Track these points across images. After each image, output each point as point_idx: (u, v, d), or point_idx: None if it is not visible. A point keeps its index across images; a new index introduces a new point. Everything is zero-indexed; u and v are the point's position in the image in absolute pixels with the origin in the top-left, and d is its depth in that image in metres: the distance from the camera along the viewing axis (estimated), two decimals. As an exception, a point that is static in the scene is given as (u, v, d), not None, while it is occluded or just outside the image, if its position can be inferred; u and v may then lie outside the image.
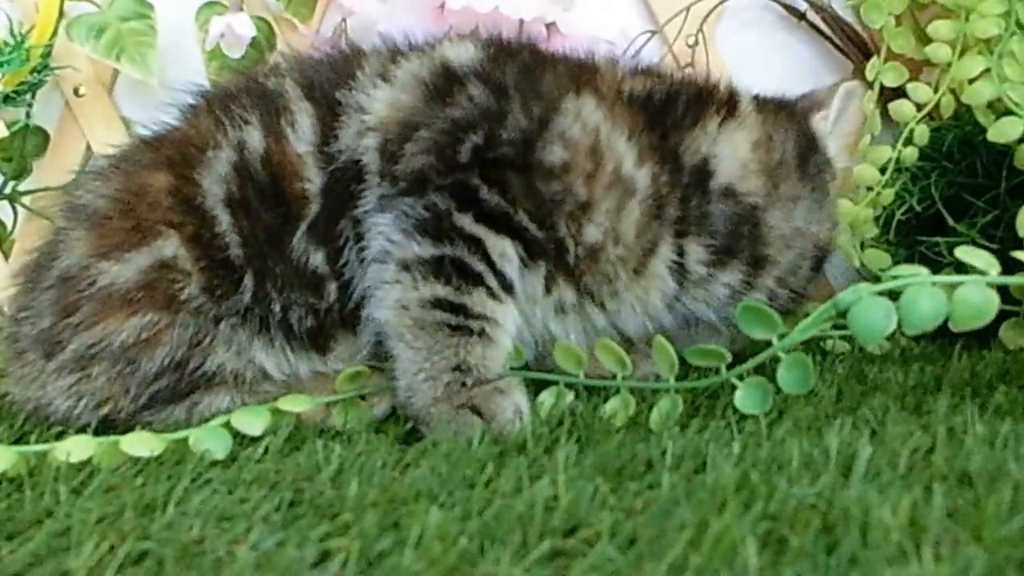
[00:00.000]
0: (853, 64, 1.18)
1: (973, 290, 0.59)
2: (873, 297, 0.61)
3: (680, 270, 0.80)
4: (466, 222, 0.73)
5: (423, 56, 0.81)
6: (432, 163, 0.75)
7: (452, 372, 0.71)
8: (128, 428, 0.70)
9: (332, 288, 0.77)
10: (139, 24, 1.13)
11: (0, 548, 0.50)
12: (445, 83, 0.78)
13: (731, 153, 0.81)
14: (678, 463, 0.59)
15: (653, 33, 1.19)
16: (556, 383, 0.76)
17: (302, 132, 0.78)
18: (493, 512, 0.51)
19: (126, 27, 1.12)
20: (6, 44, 1.13)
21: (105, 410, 0.75)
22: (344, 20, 1.13)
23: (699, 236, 0.80)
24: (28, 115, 1.19)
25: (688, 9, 1.17)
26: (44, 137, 1.23)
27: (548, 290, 0.78)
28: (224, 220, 0.77)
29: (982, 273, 0.60)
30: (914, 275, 0.61)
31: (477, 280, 0.73)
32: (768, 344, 0.68)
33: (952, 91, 1.02)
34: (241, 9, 1.14)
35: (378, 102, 0.78)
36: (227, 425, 0.69)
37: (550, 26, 1.08)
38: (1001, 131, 0.91)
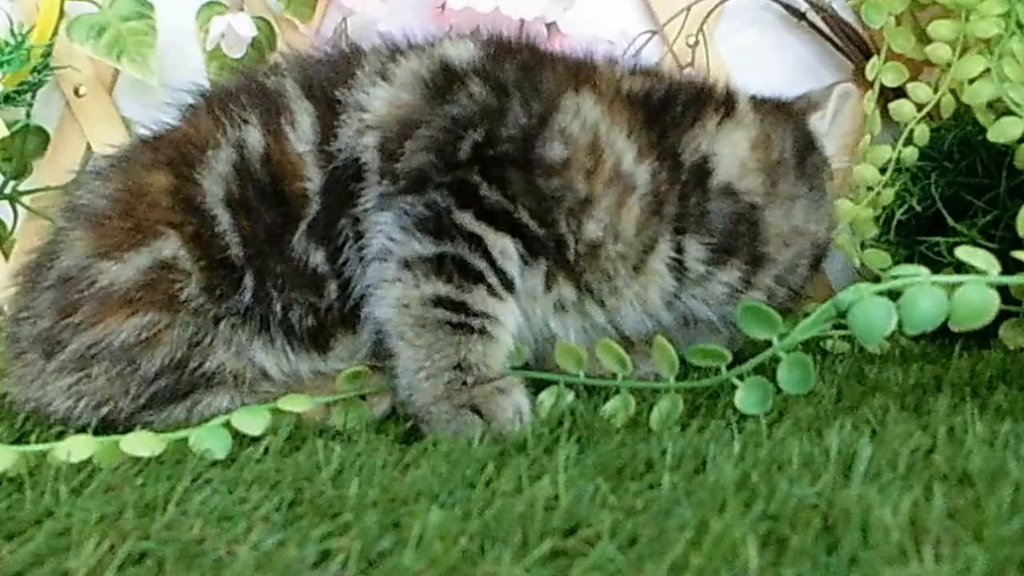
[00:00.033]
0: (853, 64, 1.18)
1: (973, 290, 0.59)
2: (873, 297, 0.61)
3: (679, 267, 0.80)
4: (466, 219, 0.73)
5: (423, 55, 0.82)
6: (432, 161, 0.75)
7: (453, 370, 0.71)
8: (128, 428, 0.70)
9: (332, 287, 0.77)
10: (139, 24, 1.13)
11: (0, 548, 0.50)
12: (445, 81, 0.79)
13: (730, 152, 0.81)
14: (678, 463, 0.59)
15: (653, 33, 1.19)
16: (556, 383, 0.76)
17: (302, 131, 0.78)
18: (494, 512, 0.51)
19: (126, 27, 1.12)
20: (7, 44, 1.13)
21: (105, 410, 0.75)
22: (344, 20, 1.13)
23: (698, 234, 0.80)
24: (28, 115, 1.19)
25: (688, 9, 1.17)
26: (44, 137, 1.23)
27: (548, 287, 0.78)
28: (224, 220, 0.77)
29: (982, 273, 0.60)
30: (914, 275, 0.61)
31: (478, 278, 0.73)
32: (768, 344, 0.68)
33: (952, 91, 1.02)
34: (241, 9, 1.14)
35: (378, 100, 0.78)
36: (227, 425, 0.69)
37: (550, 26, 1.08)
38: (1001, 131, 0.91)
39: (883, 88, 1.09)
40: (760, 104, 0.86)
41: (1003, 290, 0.61)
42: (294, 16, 1.18)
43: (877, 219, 1.05)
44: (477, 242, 0.73)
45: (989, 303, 0.59)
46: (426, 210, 0.74)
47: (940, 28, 1.00)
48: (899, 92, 1.07)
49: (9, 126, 1.18)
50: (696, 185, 0.79)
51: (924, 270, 0.61)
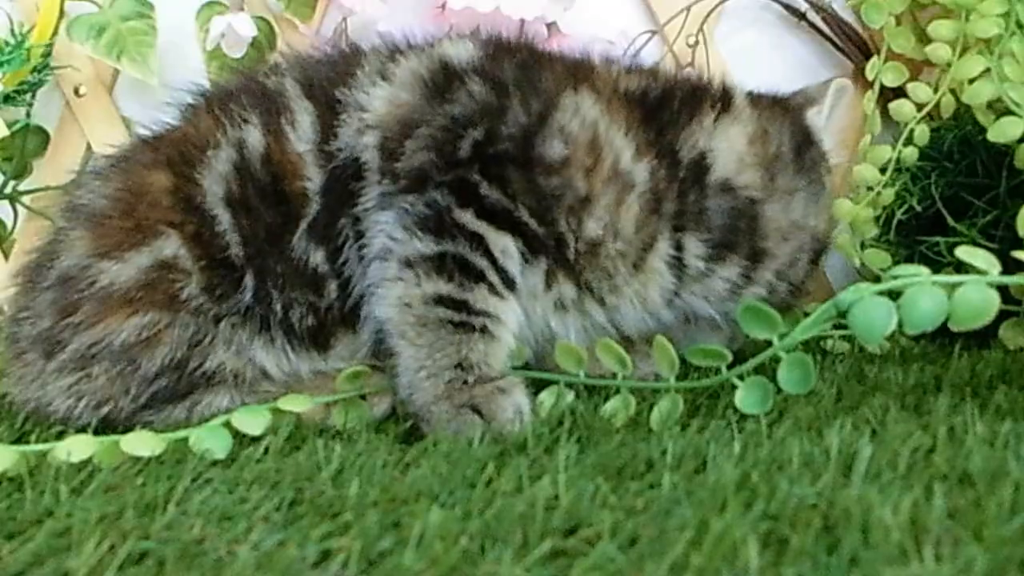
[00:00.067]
0: (853, 64, 1.18)
1: (974, 290, 0.59)
2: (874, 297, 0.61)
3: (678, 265, 0.80)
4: (467, 218, 0.73)
5: (422, 55, 0.82)
6: (432, 160, 0.75)
7: (454, 370, 0.71)
8: (128, 428, 0.70)
9: (332, 287, 0.78)
10: (139, 24, 1.13)
11: (1, 548, 0.50)
12: (444, 80, 0.79)
13: (727, 148, 0.81)
14: (679, 463, 0.59)
15: (653, 33, 1.19)
16: (556, 382, 0.76)
17: (302, 131, 0.78)
18: (494, 512, 0.51)
19: (126, 27, 1.12)
20: (7, 44, 1.13)
21: (105, 410, 0.75)
22: (344, 20, 1.13)
23: (697, 231, 0.80)
24: (28, 115, 1.19)
25: (688, 9, 1.17)
26: (44, 137, 1.23)
27: (548, 286, 0.78)
28: (224, 219, 0.77)
29: (983, 273, 0.60)
30: (915, 275, 0.61)
31: (479, 276, 0.73)
32: (768, 344, 0.68)
33: (952, 91, 1.02)
34: (242, 9, 1.14)
35: (377, 100, 0.78)
36: (227, 425, 0.69)
37: (551, 26, 1.08)
38: (1001, 131, 0.91)
39: (883, 88, 1.09)
40: (757, 100, 0.86)
41: (1003, 290, 0.61)
42: (294, 16, 1.18)
43: (877, 219, 1.05)
44: (478, 241, 0.73)
45: (989, 303, 0.59)
46: (427, 209, 0.74)
47: (940, 28, 1.00)
48: (899, 92, 1.07)
49: (9, 126, 1.18)
50: (694, 182, 0.79)
51: (924, 270, 0.61)
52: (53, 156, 1.23)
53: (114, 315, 0.74)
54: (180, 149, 0.79)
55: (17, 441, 0.73)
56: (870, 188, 1.04)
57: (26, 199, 1.21)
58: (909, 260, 1.00)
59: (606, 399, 0.74)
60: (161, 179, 0.78)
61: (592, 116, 0.77)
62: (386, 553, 0.47)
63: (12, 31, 1.14)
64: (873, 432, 0.64)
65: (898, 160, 1.03)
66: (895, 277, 0.61)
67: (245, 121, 0.79)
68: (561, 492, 0.53)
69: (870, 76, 1.09)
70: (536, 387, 0.75)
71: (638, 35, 1.17)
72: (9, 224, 1.23)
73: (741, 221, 0.80)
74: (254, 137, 0.78)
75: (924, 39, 1.04)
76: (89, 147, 1.23)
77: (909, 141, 1.03)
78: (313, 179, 0.77)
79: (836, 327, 0.66)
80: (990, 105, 0.96)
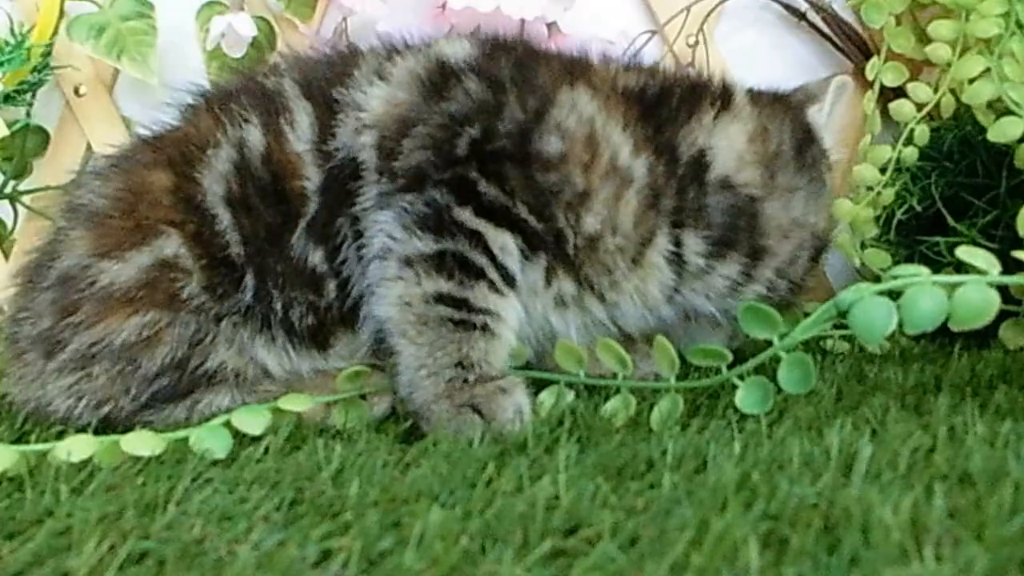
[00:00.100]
0: (853, 64, 1.18)
1: (974, 290, 0.59)
2: (874, 297, 0.61)
3: (678, 261, 0.80)
4: (466, 216, 0.73)
5: (419, 54, 0.82)
6: (430, 158, 0.75)
7: (454, 368, 0.71)
8: (129, 427, 0.70)
9: (331, 286, 0.78)
10: (139, 24, 1.13)
11: (1, 547, 0.50)
12: (441, 78, 0.79)
13: (727, 145, 0.81)
14: (679, 463, 0.59)
15: (653, 33, 1.19)
16: (556, 382, 0.76)
17: (301, 131, 0.78)
18: (494, 511, 0.51)
19: (126, 27, 1.12)
20: (7, 43, 1.13)
21: (106, 409, 0.75)
22: (344, 20, 1.13)
23: (697, 228, 0.80)
24: (29, 114, 1.19)
25: (688, 9, 1.17)
26: (44, 136, 1.23)
27: (548, 282, 0.78)
28: (224, 218, 0.77)
29: (983, 273, 0.60)
30: (915, 275, 0.61)
31: (479, 274, 0.73)
32: (769, 344, 0.68)
33: (952, 91, 1.02)
34: (242, 9, 1.14)
35: (375, 99, 0.78)
36: (227, 424, 0.69)
37: (551, 26, 1.08)
38: (1001, 131, 0.91)
39: (883, 88, 1.09)
40: (757, 97, 0.86)
41: (1003, 290, 0.61)
42: (294, 16, 1.18)
43: (877, 219, 1.05)
44: (477, 238, 0.73)
45: (989, 303, 0.59)
46: (425, 208, 0.74)
47: (940, 28, 1.00)
48: (899, 92, 1.07)
49: (9, 125, 1.18)
50: (694, 179, 0.79)
51: (924, 270, 0.61)
52: (53, 156, 1.23)
53: (114, 315, 0.74)
54: (180, 149, 0.79)
55: (17, 441, 0.73)
56: (870, 188, 1.04)
57: (26, 199, 1.21)
58: (909, 260, 1.00)
59: (606, 399, 0.74)
60: (161, 179, 0.78)
61: (589, 112, 0.77)
62: (386, 553, 0.47)
63: (12, 31, 1.14)
64: (873, 432, 0.64)
65: (898, 160, 1.03)
66: (895, 277, 0.61)
67: (245, 121, 0.79)
68: (561, 492, 0.53)
69: (870, 76, 1.09)
70: (536, 387, 0.75)
71: (638, 35, 1.17)
72: (9, 224, 1.23)
73: (741, 219, 0.80)
74: (254, 137, 0.78)
75: (924, 39, 1.04)
76: (89, 147, 1.23)
77: (909, 141, 1.03)
78: (312, 179, 0.77)
79: (836, 327, 0.66)
80: (990, 105, 0.96)
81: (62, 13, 1.16)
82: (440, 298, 0.72)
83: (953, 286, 0.60)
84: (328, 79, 0.80)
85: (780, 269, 0.83)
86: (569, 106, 0.77)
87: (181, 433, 0.67)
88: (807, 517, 0.47)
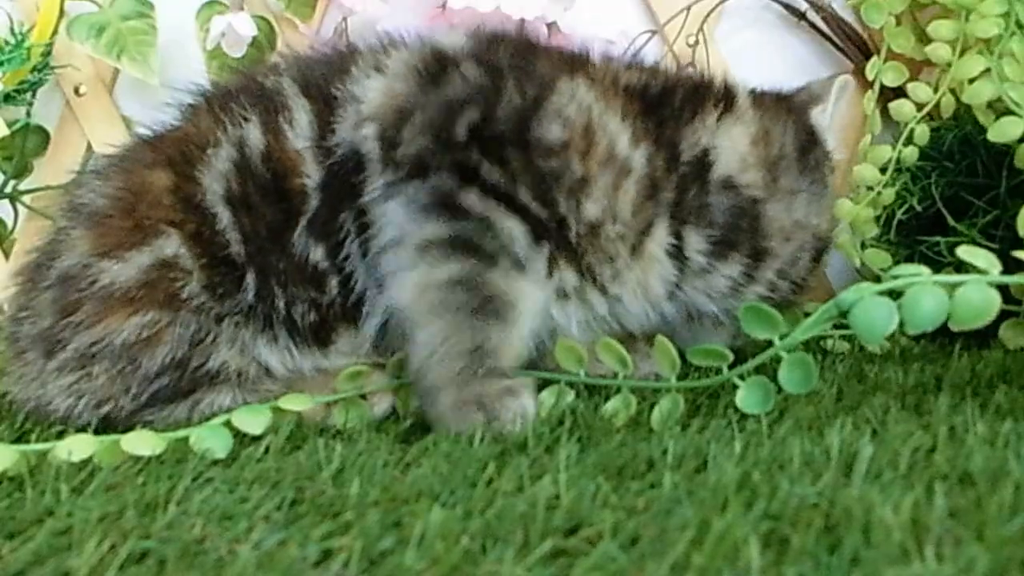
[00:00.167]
0: (853, 63, 1.18)
1: (975, 289, 0.59)
2: (875, 297, 0.61)
3: (679, 256, 0.80)
4: (471, 200, 0.73)
5: (415, 46, 0.82)
6: (429, 144, 0.75)
7: (468, 355, 0.71)
8: (129, 427, 0.70)
9: (333, 283, 0.77)
10: (140, 23, 1.13)
11: (1, 547, 0.50)
12: (438, 66, 0.79)
13: (730, 147, 0.81)
14: (679, 462, 0.59)
15: (653, 33, 1.19)
16: (557, 382, 0.76)
17: (300, 128, 0.78)
18: (495, 511, 0.50)
19: (127, 26, 1.12)
20: (7, 43, 1.13)
21: (106, 409, 0.75)
22: (345, 20, 1.13)
23: (698, 226, 0.80)
24: (29, 114, 1.19)
25: (688, 9, 1.17)
26: (45, 136, 1.23)
27: (550, 273, 0.77)
28: (225, 218, 0.77)
29: (983, 272, 0.60)
30: (915, 275, 0.61)
31: (491, 259, 0.73)
32: (769, 344, 0.68)
33: (952, 91, 1.02)
34: (242, 8, 1.14)
35: (372, 91, 0.78)
36: (228, 424, 0.69)
37: (551, 25, 1.08)
38: (1001, 131, 0.91)
39: (883, 88, 1.09)
40: (760, 98, 0.86)
41: (1003, 290, 0.61)
42: (294, 16, 1.18)
43: (877, 219, 1.05)
44: (486, 223, 0.73)
45: (990, 303, 0.59)
46: (431, 194, 0.74)
47: (940, 28, 1.00)
48: (899, 92, 1.07)
49: (9, 125, 1.18)
50: (696, 177, 0.80)
51: (925, 270, 0.61)
52: (53, 155, 1.23)
53: (115, 314, 0.74)
54: (180, 148, 0.79)
55: (17, 440, 0.73)
56: (870, 188, 1.05)
57: (26, 198, 1.21)
58: (909, 260, 1.00)
59: (607, 399, 0.74)
60: (161, 178, 0.78)
61: (587, 101, 0.77)
62: (387, 553, 0.47)
63: (12, 30, 1.14)
64: (874, 432, 0.64)
65: (898, 160, 1.03)
66: (896, 277, 0.61)
67: (245, 120, 0.79)
68: (562, 492, 0.53)
69: (870, 76, 1.10)
70: (537, 386, 0.75)
71: (638, 35, 1.17)
72: (9, 223, 1.23)
73: (743, 220, 0.80)
74: (254, 135, 0.78)
75: (924, 39, 1.04)
76: (89, 146, 1.23)
77: (909, 141, 1.03)
78: (312, 176, 0.77)
79: (836, 327, 0.66)
80: (990, 105, 0.96)
81: (62, 12, 1.16)
82: (456, 284, 0.72)
83: (954, 286, 0.60)
84: (326, 77, 0.80)
85: (782, 270, 0.83)
86: (568, 94, 0.77)
87: (181, 433, 0.67)
88: (808, 517, 0.47)
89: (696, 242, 0.80)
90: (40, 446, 0.65)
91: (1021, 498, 0.47)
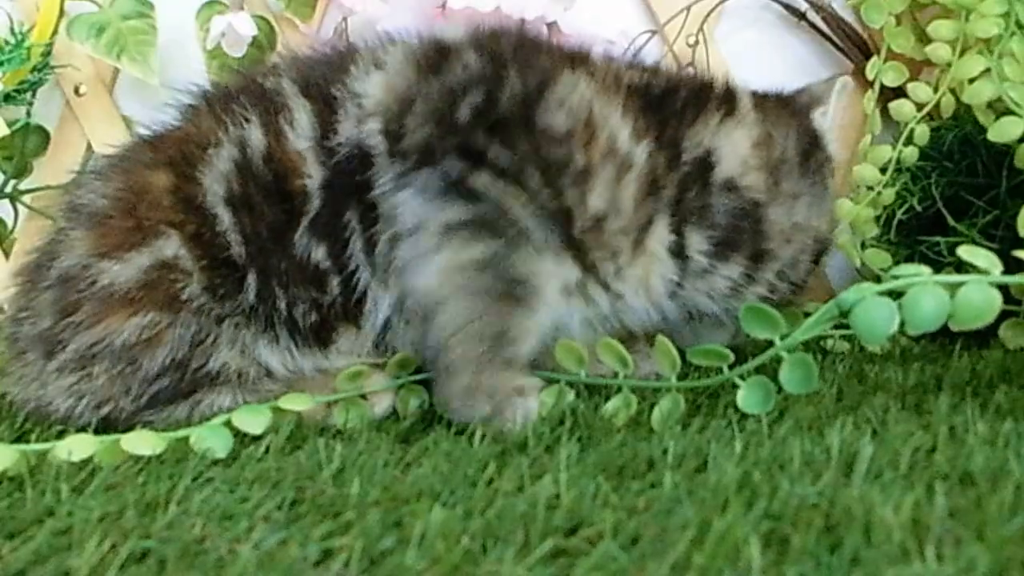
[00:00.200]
0: (853, 63, 1.18)
1: (976, 289, 0.59)
2: (876, 297, 0.61)
3: (680, 254, 0.80)
4: (482, 183, 0.73)
5: (414, 40, 0.82)
6: (433, 131, 0.75)
7: (490, 340, 0.70)
8: (129, 427, 0.70)
9: (335, 282, 0.77)
10: (140, 23, 1.13)
11: (1, 547, 0.50)
12: (438, 56, 0.79)
13: (732, 149, 0.81)
14: (680, 462, 0.59)
15: (653, 33, 1.19)
16: (557, 381, 0.76)
17: (301, 129, 0.78)
18: (495, 511, 0.51)
19: (127, 26, 1.12)
20: (7, 43, 1.13)
21: (106, 410, 0.75)
22: (345, 20, 1.13)
23: (699, 226, 0.80)
24: (29, 114, 1.19)
25: (688, 9, 1.17)
26: (45, 136, 1.23)
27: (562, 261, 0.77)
28: (225, 219, 0.76)
29: (984, 272, 0.60)
30: (916, 275, 0.61)
31: (515, 241, 0.72)
32: (770, 344, 0.68)
33: (952, 91, 1.02)
34: (242, 8, 1.14)
35: (373, 86, 0.78)
36: (228, 424, 0.69)
37: (551, 25, 1.08)
38: (1001, 131, 0.91)
39: (883, 88, 1.09)
40: (762, 101, 0.86)
41: (1003, 290, 0.61)
42: (294, 15, 1.18)
43: (877, 219, 1.05)
44: (501, 207, 0.73)
45: (991, 303, 0.59)
46: (443, 179, 0.73)
47: (940, 28, 1.00)
48: (899, 92, 1.07)
49: (9, 125, 1.18)
50: (698, 177, 0.80)
51: (926, 269, 0.61)
52: (53, 155, 1.23)
53: (115, 315, 0.74)
54: (181, 148, 0.79)
55: (17, 440, 0.73)
56: (870, 188, 1.05)
57: (27, 198, 1.21)
58: (909, 260, 1.00)
59: (607, 398, 0.74)
60: (161, 179, 0.78)
61: (589, 95, 0.77)
62: (388, 552, 0.47)
63: (12, 30, 1.14)
64: (874, 432, 0.64)
65: (898, 160, 1.03)
66: (896, 277, 0.61)
67: (247, 120, 0.78)
68: (562, 491, 0.53)
69: (870, 76, 1.10)
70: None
71: (638, 35, 1.17)
72: (9, 223, 1.23)
73: (745, 221, 0.81)
74: (255, 136, 0.78)
75: (924, 39, 1.04)
76: (89, 146, 1.23)
77: (909, 141, 1.03)
78: (314, 176, 0.77)
79: (836, 326, 0.66)
80: (990, 105, 0.96)
81: (62, 12, 1.16)
82: (484, 265, 0.72)
83: (955, 286, 0.60)
84: (326, 77, 0.80)
85: (781, 271, 0.84)
86: (570, 86, 0.77)
87: (182, 432, 0.67)
88: (808, 517, 0.47)
89: (698, 242, 0.80)
90: (40, 446, 0.65)
91: (1021, 498, 0.47)
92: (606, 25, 1.10)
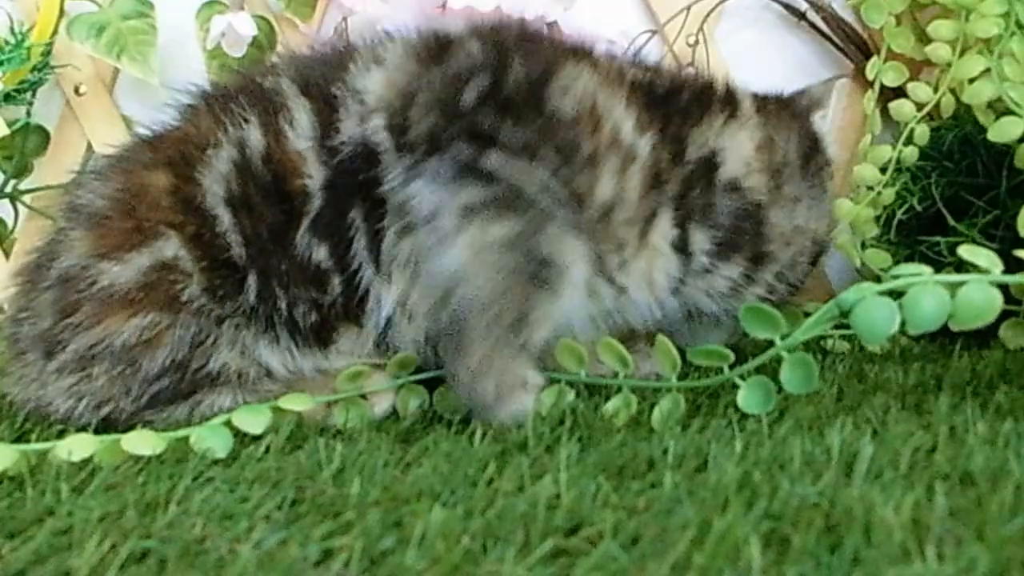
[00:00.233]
0: (853, 64, 1.18)
1: (977, 289, 0.59)
2: (877, 297, 0.61)
3: (683, 250, 0.81)
4: (493, 162, 0.72)
5: (413, 35, 0.81)
6: (438, 119, 0.74)
7: (512, 317, 0.69)
8: (129, 428, 0.70)
9: (336, 281, 0.77)
10: (140, 23, 1.13)
11: (2, 547, 0.50)
12: (439, 47, 0.78)
13: (736, 151, 0.82)
14: (680, 462, 0.59)
15: (653, 33, 1.19)
16: (558, 381, 0.76)
17: (301, 128, 0.78)
18: (496, 511, 0.50)
19: (127, 26, 1.12)
20: (7, 43, 1.13)
21: (106, 410, 0.75)
22: (345, 19, 1.13)
23: (704, 225, 0.80)
24: (29, 113, 1.19)
25: (688, 9, 1.17)
26: (45, 136, 1.23)
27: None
28: (225, 219, 0.76)
29: (985, 272, 0.60)
30: (917, 274, 0.61)
31: (535, 220, 0.71)
32: (770, 344, 0.68)
33: (952, 91, 1.02)
34: (242, 8, 1.14)
35: (374, 83, 0.77)
36: (228, 423, 0.69)
37: (551, 25, 1.08)
38: (1001, 131, 0.91)
39: (883, 88, 1.09)
40: (763, 104, 0.86)
41: (1003, 290, 0.61)
42: (294, 15, 1.18)
43: (877, 219, 1.05)
44: (516, 184, 0.72)
45: (992, 302, 0.59)
46: (454, 164, 0.72)
47: (940, 28, 1.00)
48: (899, 92, 1.07)
49: (9, 125, 1.18)
50: (702, 176, 0.80)
51: (927, 269, 0.61)
52: (53, 155, 1.23)
53: (114, 316, 0.74)
54: (180, 149, 0.79)
55: (17, 440, 0.73)
56: (870, 188, 1.05)
57: (27, 198, 1.21)
58: (909, 260, 1.00)
59: (607, 398, 0.74)
60: (161, 179, 0.77)
61: (592, 85, 0.77)
62: (388, 552, 0.47)
63: (12, 30, 1.14)
64: (874, 432, 0.64)
65: (898, 160, 1.03)
66: (897, 277, 0.61)
67: (246, 120, 0.78)
68: (563, 491, 0.53)
69: (870, 76, 1.10)
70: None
71: (638, 35, 1.17)
72: (10, 223, 1.23)
73: (747, 223, 0.81)
74: (255, 137, 0.78)
75: (924, 39, 1.04)
76: (90, 146, 1.23)
77: (909, 141, 1.03)
78: (314, 176, 0.76)
79: (836, 326, 0.66)
80: (990, 105, 0.96)
81: (62, 12, 1.16)
82: (512, 243, 0.70)
83: (955, 285, 0.60)
84: (325, 76, 0.80)
85: (780, 273, 0.85)
86: (574, 75, 0.77)
87: (182, 432, 0.67)
88: (809, 517, 0.47)
89: (701, 241, 0.81)
90: (40, 446, 0.65)
91: (1022, 498, 0.47)
92: (606, 25, 1.11)
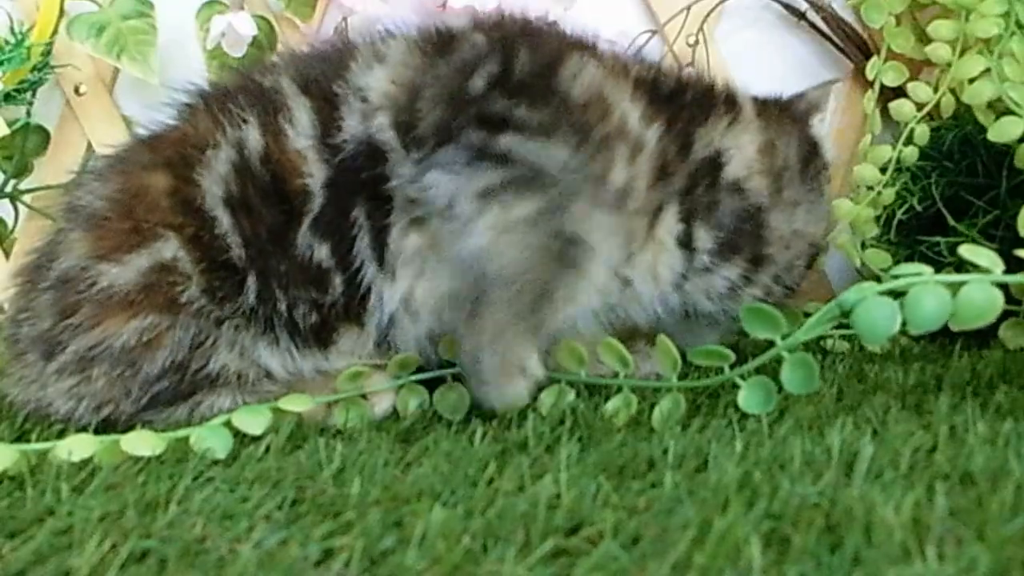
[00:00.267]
0: (853, 64, 1.18)
1: (977, 289, 0.59)
2: (877, 297, 0.61)
3: (687, 246, 0.81)
4: (506, 144, 0.71)
5: (415, 31, 0.81)
6: (446, 111, 0.74)
7: (535, 291, 0.69)
8: (129, 429, 0.70)
9: (337, 281, 0.77)
10: (140, 23, 1.13)
11: (2, 547, 0.50)
12: (443, 41, 0.78)
13: (740, 152, 0.82)
14: (680, 462, 0.59)
15: (653, 33, 1.19)
16: (558, 381, 0.76)
17: (301, 127, 0.77)
18: (496, 511, 0.50)
19: (127, 25, 1.12)
20: (7, 42, 1.13)
21: (105, 412, 0.75)
22: (345, 19, 1.13)
23: (707, 224, 0.81)
24: (29, 113, 1.19)
25: (688, 9, 1.17)
26: (45, 135, 1.23)
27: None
28: (225, 221, 0.76)
29: (985, 272, 0.60)
30: (918, 274, 0.61)
31: (558, 197, 0.70)
32: (771, 344, 0.68)
33: (952, 91, 1.02)
34: (242, 8, 1.14)
35: (376, 80, 0.77)
36: (228, 424, 0.69)
37: (551, 25, 1.08)
38: (1001, 131, 0.91)
39: (883, 88, 1.09)
40: (763, 108, 0.87)
41: (1003, 289, 0.61)
42: (294, 15, 1.18)
43: (877, 219, 1.05)
44: (533, 164, 0.71)
45: (993, 302, 0.59)
46: (467, 150, 0.72)
47: (940, 28, 1.00)
48: (899, 92, 1.07)
49: (9, 124, 1.18)
50: (707, 174, 0.81)
51: (927, 269, 0.61)
52: (54, 155, 1.23)
53: (113, 317, 0.74)
54: (179, 150, 0.79)
55: (17, 440, 0.73)
56: (870, 188, 1.05)
57: (27, 198, 1.21)
58: (909, 260, 1.00)
59: (607, 398, 0.74)
60: (160, 180, 0.77)
61: (598, 76, 0.77)
62: (388, 552, 0.47)
63: (12, 30, 1.14)
64: (874, 431, 0.64)
65: (898, 160, 1.03)
66: (897, 277, 0.61)
67: (244, 121, 0.78)
68: (563, 491, 0.53)
69: (870, 76, 1.10)
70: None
71: (638, 35, 1.17)
72: (10, 223, 1.23)
73: (748, 224, 0.82)
74: (253, 137, 0.78)
75: (924, 39, 1.04)
76: (90, 146, 1.23)
77: (909, 141, 1.03)
78: (315, 175, 0.76)
79: (837, 326, 0.66)
80: (990, 105, 0.96)
81: (62, 12, 1.16)
82: (537, 220, 0.69)
83: (956, 285, 0.60)
84: (325, 74, 0.79)
85: (778, 275, 0.85)
86: (580, 66, 0.76)
87: (182, 432, 0.67)
88: (809, 516, 0.47)
89: (704, 239, 0.81)
90: (40, 446, 0.65)
91: (1022, 498, 0.47)
92: (606, 25, 1.10)
